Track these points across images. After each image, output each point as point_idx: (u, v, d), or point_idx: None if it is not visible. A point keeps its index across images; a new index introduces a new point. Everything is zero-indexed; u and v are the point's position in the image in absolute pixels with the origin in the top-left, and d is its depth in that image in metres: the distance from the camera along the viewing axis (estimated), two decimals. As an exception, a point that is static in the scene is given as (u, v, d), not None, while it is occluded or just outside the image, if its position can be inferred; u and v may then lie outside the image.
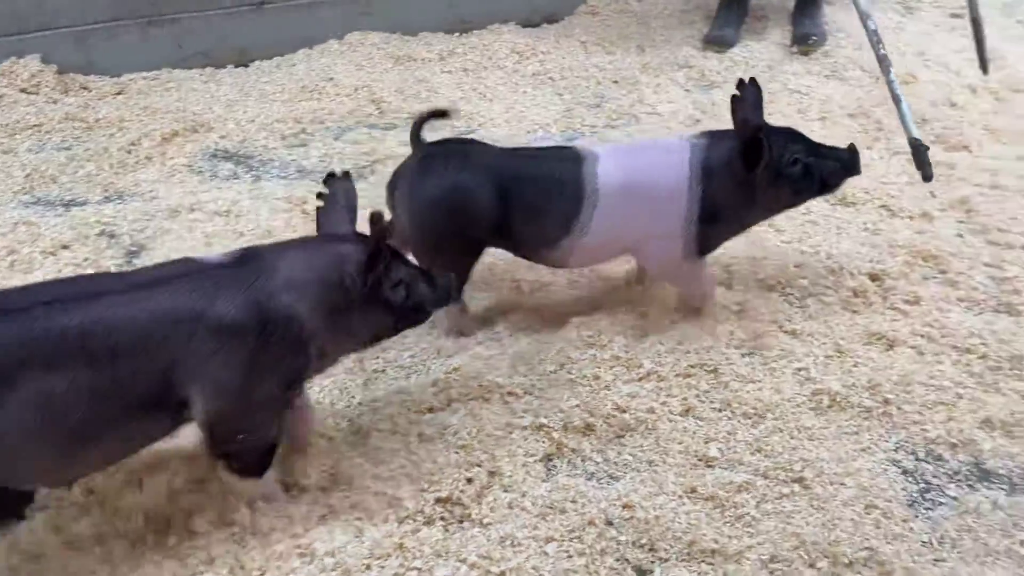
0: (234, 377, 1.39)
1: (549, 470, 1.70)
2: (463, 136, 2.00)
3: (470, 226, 1.88)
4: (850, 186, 2.55)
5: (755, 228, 2.11)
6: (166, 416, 1.42)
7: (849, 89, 3.16)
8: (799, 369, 1.92)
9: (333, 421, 1.79)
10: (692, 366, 1.93)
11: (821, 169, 1.92)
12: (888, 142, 2.82)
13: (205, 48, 3.35)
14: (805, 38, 3.41)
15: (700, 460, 1.72)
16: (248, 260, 1.46)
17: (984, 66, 2.91)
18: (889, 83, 2.48)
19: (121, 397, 1.34)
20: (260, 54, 3.41)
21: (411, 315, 1.58)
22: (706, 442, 1.76)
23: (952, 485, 1.68)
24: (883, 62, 2.51)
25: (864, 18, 2.57)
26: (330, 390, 1.89)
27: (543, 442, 1.74)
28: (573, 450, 1.74)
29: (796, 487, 1.65)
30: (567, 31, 3.65)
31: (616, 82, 3.26)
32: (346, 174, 1.62)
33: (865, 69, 3.27)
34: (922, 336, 2.02)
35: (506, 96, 3.18)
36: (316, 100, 3.11)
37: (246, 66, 3.39)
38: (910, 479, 1.69)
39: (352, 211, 1.59)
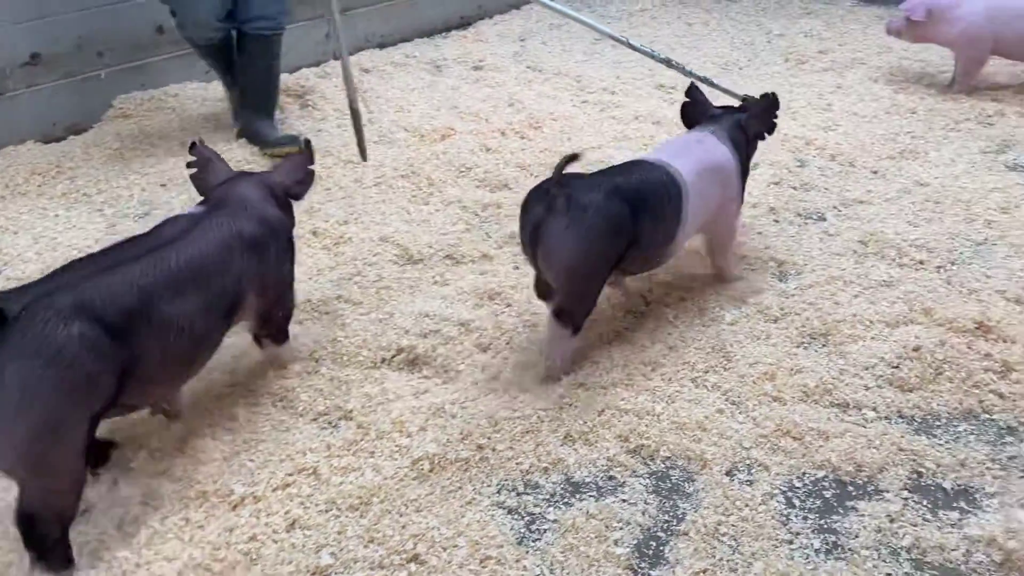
0: (275, 271, 1.96)
1: (142, 654, 1.47)
2: (573, 172, 2.06)
3: (621, 246, 2.09)
4: (413, 243, 2.67)
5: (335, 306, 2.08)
6: (228, 325, 1.88)
7: (399, 151, 3.30)
8: (395, 440, 1.91)
9: None
10: (290, 474, 1.82)
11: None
12: (442, 195, 2.98)
13: None
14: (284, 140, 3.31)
15: (314, 574, 1.61)
16: (224, 201, 1.94)
17: (363, 154, 3.16)
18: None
19: (216, 309, 1.80)
20: None
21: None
22: (317, 551, 1.65)
23: (551, 509, 1.77)
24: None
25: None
26: None
27: (128, 624, 1.50)
28: (168, 618, 1.52)
29: (413, 566, 1.62)
30: (98, 140, 3.34)
31: (164, 185, 3.05)
32: (200, 141, 2.13)
33: (408, 130, 3.46)
34: (497, 373, 2.13)
35: (33, 225, 2.79)
36: None
37: None
38: (515, 516, 1.75)
39: (223, 161, 2.12)
